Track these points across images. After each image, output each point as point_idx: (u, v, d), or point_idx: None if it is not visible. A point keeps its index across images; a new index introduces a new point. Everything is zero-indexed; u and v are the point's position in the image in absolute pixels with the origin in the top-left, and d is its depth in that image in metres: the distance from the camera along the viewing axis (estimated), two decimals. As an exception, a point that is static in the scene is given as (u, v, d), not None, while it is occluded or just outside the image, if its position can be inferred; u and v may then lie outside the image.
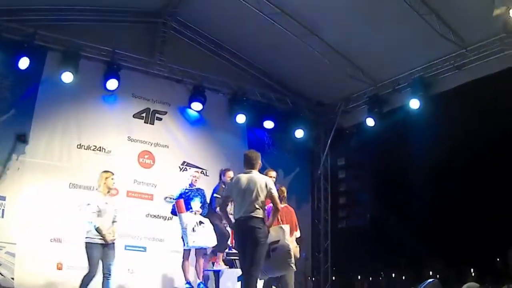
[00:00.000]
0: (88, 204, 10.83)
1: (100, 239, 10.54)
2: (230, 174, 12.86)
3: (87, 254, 10.50)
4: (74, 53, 14.35)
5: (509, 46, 13.51)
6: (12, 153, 13.55)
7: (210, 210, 12.86)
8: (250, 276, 9.33)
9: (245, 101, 17.16)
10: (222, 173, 13.33)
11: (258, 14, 14.68)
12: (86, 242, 10.51)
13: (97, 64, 14.97)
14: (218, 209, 12.01)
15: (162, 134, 16.07)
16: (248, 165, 9.98)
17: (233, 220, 9.95)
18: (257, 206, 9.46)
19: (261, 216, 9.48)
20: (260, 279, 9.94)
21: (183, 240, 12.17)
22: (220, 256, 12.77)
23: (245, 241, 9.48)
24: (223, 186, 12.60)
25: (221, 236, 12.51)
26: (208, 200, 13.06)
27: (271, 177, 11.81)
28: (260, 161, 10.10)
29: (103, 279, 10.68)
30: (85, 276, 10.42)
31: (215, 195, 12.85)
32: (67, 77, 14.13)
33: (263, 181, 9.70)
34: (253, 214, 9.44)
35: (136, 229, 14.67)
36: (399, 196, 23.70)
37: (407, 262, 26.20)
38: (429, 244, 24.09)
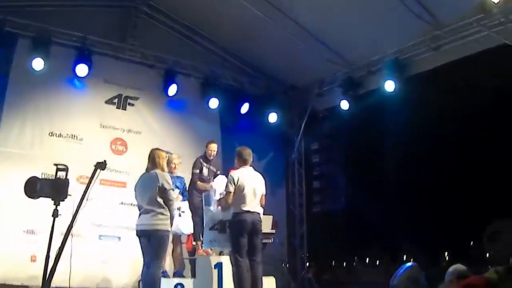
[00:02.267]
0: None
1: None
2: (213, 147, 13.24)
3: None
4: (44, 40, 14.11)
5: (486, 27, 13.35)
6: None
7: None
8: (258, 263, 10.43)
9: (217, 85, 17.04)
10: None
11: (231, -3, 14.51)
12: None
13: (68, 50, 14.71)
14: (219, 206, 11.80)
15: (135, 120, 15.91)
16: (245, 161, 10.76)
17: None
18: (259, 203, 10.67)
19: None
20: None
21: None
22: (199, 243, 12.60)
23: (252, 233, 10.35)
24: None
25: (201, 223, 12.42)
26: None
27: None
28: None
29: None
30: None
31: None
32: (38, 64, 13.89)
33: (262, 181, 10.90)
34: (259, 210, 10.69)
35: (110, 218, 14.48)
36: (374, 180, 23.67)
37: (382, 246, 26.21)
38: (403, 228, 24.10)
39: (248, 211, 10.34)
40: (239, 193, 10.43)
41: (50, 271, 7.22)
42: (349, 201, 19.99)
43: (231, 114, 17.65)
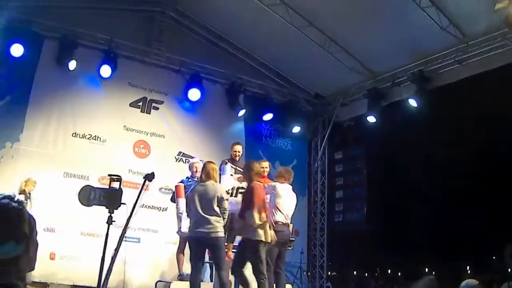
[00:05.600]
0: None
1: None
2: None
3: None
4: (71, 41, 14.20)
5: (510, 41, 13.32)
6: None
7: None
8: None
9: (242, 92, 17.10)
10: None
11: (257, 4, 14.57)
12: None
13: (94, 52, 14.84)
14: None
15: (159, 123, 15.95)
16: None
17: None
18: None
19: None
20: None
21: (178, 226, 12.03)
22: (230, 246, 12.57)
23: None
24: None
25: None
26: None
27: (263, 167, 12.15)
28: None
29: None
30: None
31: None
32: (71, 66, 14.10)
33: None
34: None
35: (131, 220, 14.53)
36: (396, 191, 23.63)
37: (404, 258, 26.15)
38: (426, 240, 24.03)
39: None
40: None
41: (107, 272, 7.34)
42: (370, 212, 19.92)
43: (256, 121, 17.69)
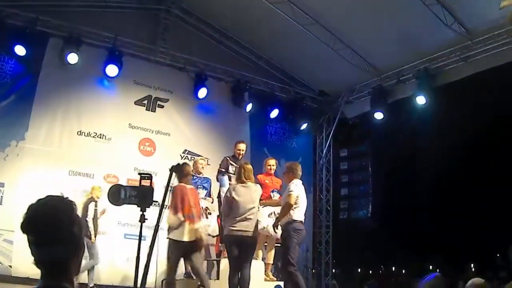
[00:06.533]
0: None
1: None
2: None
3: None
4: (75, 39, 14.17)
5: (516, 38, 13.32)
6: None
7: None
8: None
9: (248, 89, 17.07)
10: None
11: (262, 2, 14.54)
12: None
13: (99, 50, 14.82)
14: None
15: (164, 121, 15.96)
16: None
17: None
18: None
19: None
20: None
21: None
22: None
23: None
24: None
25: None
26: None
27: (270, 165, 12.18)
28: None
29: None
30: None
31: None
32: (71, 59, 13.99)
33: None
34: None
35: (136, 217, 14.51)
36: (402, 189, 23.62)
37: (408, 255, 26.13)
38: (430, 238, 24.00)
39: None
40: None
41: (144, 271, 7.36)
42: (375, 209, 19.91)
43: (261, 119, 17.69)
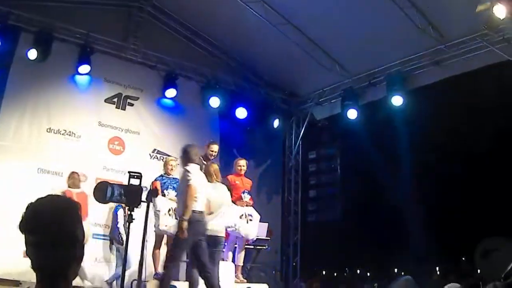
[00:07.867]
0: None
1: None
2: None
3: None
4: (47, 35, 14.02)
5: (489, 43, 13.34)
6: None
7: None
8: None
9: (218, 89, 16.91)
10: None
11: (235, 1, 14.47)
12: None
13: (70, 46, 14.66)
14: None
15: (134, 120, 15.82)
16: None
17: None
18: None
19: None
20: None
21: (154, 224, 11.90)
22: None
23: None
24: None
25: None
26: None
27: (240, 166, 12.20)
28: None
29: None
30: None
31: None
32: (31, 54, 13.78)
33: None
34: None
35: (105, 217, 14.39)
36: (370, 191, 23.69)
37: (373, 258, 26.21)
38: (397, 241, 24.11)
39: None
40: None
41: (139, 273, 7.25)
42: (344, 212, 19.98)
43: (231, 119, 17.52)
